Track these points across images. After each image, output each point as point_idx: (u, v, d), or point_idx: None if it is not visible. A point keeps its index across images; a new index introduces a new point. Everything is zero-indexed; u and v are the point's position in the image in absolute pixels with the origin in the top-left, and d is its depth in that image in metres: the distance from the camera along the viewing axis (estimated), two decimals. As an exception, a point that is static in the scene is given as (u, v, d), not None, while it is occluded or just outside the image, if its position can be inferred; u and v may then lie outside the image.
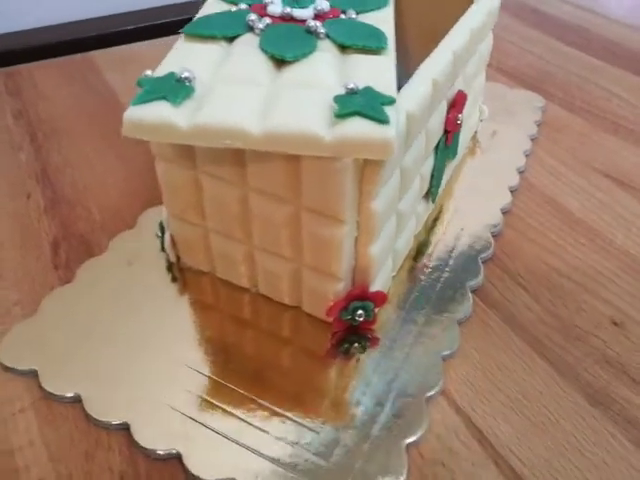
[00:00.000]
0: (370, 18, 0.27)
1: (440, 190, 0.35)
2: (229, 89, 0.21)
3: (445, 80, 0.28)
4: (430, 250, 0.33)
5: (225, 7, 0.28)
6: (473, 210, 0.36)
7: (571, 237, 0.36)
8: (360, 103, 0.20)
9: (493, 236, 0.35)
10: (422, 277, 0.32)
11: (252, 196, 0.25)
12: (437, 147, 0.30)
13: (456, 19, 0.33)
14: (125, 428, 0.24)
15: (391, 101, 0.21)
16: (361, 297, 0.26)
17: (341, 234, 0.23)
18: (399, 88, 0.24)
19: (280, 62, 0.24)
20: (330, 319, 0.27)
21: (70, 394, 0.25)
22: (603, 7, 0.69)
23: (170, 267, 0.31)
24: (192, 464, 0.23)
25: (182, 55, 0.24)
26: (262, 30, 0.25)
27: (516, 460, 0.24)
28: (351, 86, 0.21)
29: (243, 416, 0.25)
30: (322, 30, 0.25)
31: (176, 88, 0.21)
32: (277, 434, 0.24)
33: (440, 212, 0.36)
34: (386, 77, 0.23)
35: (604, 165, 0.42)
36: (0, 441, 0.24)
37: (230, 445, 0.24)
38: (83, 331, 0.28)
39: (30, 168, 0.39)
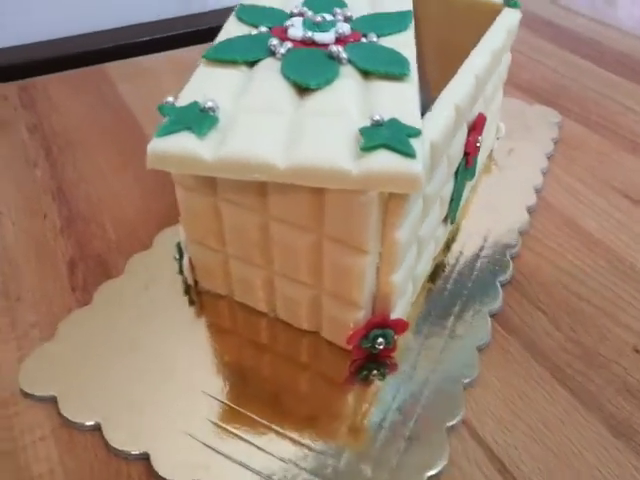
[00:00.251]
0: (391, 42, 0.27)
1: (459, 212, 0.35)
2: (253, 118, 0.21)
3: (467, 105, 0.27)
4: (447, 271, 0.33)
5: (245, 30, 0.28)
6: (490, 231, 0.36)
7: (590, 259, 0.35)
8: (386, 135, 0.20)
9: (511, 258, 0.34)
10: (440, 301, 0.31)
11: (273, 224, 0.24)
12: (457, 170, 0.30)
13: (474, 35, 0.33)
14: (145, 458, 0.24)
15: (417, 133, 0.20)
16: (382, 325, 0.26)
17: (364, 264, 0.23)
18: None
19: (303, 89, 0.23)
20: (350, 347, 0.27)
21: (90, 422, 0.25)
22: (614, 19, 0.69)
23: (187, 290, 0.31)
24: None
25: (204, 82, 0.23)
26: (283, 55, 0.25)
27: (540, 494, 0.24)
28: (377, 118, 0.20)
29: (263, 445, 0.25)
30: (344, 55, 0.25)
31: (200, 118, 0.21)
32: (298, 462, 0.24)
33: (457, 232, 0.36)
34: (410, 106, 0.22)
35: (623, 184, 0.41)
36: (21, 469, 0.24)
37: (250, 474, 0.24)
38: (101, 357, 0.27)
39: (46, 184, 0.39)
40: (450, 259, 0.34)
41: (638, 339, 0.30)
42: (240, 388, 0.27)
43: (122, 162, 0.41)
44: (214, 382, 0.27)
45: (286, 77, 0.23)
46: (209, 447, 0.24)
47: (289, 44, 0.25)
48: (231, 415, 0.26)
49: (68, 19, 0.56)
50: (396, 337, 0.27)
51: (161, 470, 0.23)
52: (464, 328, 0.30)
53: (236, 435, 0.25)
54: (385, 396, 0.27)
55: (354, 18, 0.29)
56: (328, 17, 0.28)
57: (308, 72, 0.24)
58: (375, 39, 0.27)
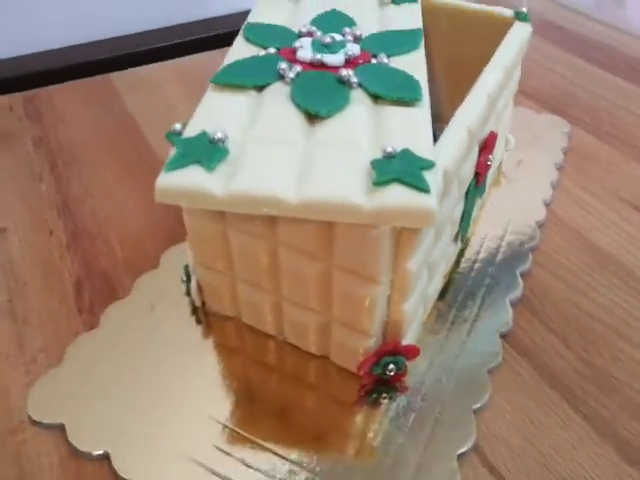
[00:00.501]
0: (402, 62, 0.27)
1: (469, 230, 0.34)
2: (263, 150, 0.21)
3: (479, 126, 0.27)
4: (456, 288, 0.33)
5: (253, 50, 0.28)
6: (500, 247, 0.36)
7: (601, 276, 0.35)
8: (398, 169, 0.20)
9: (521, 275, 0.34)
10: (451, 323, 0.31)
11: (282, 250, 0.24)
12: (467, 190, 0.30)
13: (484, 49, 0.33)
14: (153, 488, 0.24)
15: (430, 165, 0.20)
16: (393, 352, 0.26)
17: (375, 294, 0.23)
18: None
19: (313, 116, 0.23)
20: (360, 373, 0.26)
21: (98, 452, 0.25)
22: (627, 23, 0.68)
23: (194, 310, 0.31)
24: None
25: (212, 109, 0.23)
26: (293, 79, 0.25)
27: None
28: (389, 150, 0.20)
29: (269, 470, 0.25)
30: (355, 79, 0.24)
31: (210, 151, 0.20)
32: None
33: (465, 248, 0.35)
34: (422, 134, 0.22)
35: (634, 197, 0.41)
36: (28, 500, 0.24)
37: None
38: (109, 382, 0.27)
39: (51, 199, 0.39)
40: (459, 277, 0.34)
41: (652, 361, 0.30)
42: (248, 412, 0.27)
43: (128, 176, 0.41)
44: (221, 406, 0.27)
45: (296, 104, 0.23)
46: (216, 474, 0.24)
47: (298, 67, 0.25)
48: (238, 441, 0.26)
49: (71, 28, 0.56)
50: (407, 362, 0.27)
51: (170, 501, 0.23)
52: (473, 349, 0.30)
53: (243, 462, 0.25)
54: (396, 424, 0.27)
55: (364, 37, 0.29)
56: (337, 37, 0.27)
57: (318, 99, 0.23)
58: (385, 60, 0.26)
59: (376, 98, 0.24)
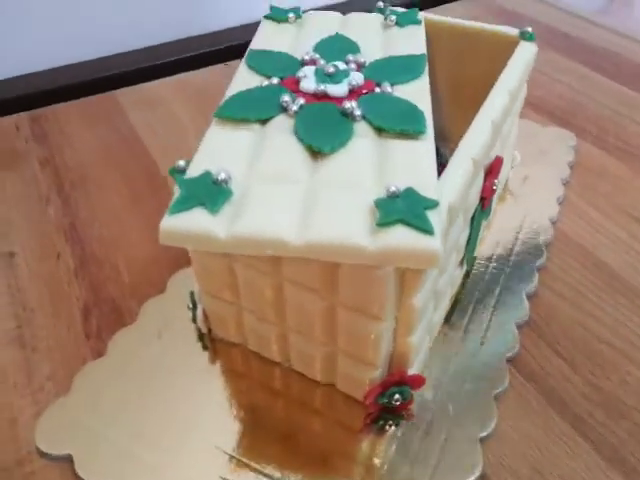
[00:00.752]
0: (406, 91, 0.27)
1: (475, 252, 0.34)
2: (266, 189, 0.21)
3: (484, 154, 0.27)
4: (462, 311, 0.32)
5: (256, 79, 0.28)
6: (507, 268, 0.35)
7: (609, 296, 0.35)
8: (402, 209, 0.19)
9: (527, 297, 0.34)
10: (457, 347, 0.31)
11: (287, 286, 0.24)
12: (473, 216, 0.30)
13: (489, 68, 0.33)
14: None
15: (434, 205, 0.20)
16: (399, 383, 0.26)
17: (380, 330, 0.23)
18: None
19: (317, 151, 0.23)
20: (366, 403, 0.26)
21: (106, 485, 0.25)
22: (636, 23, 0.67)
23: (201, 337, 0.31)
24: None
25: (216, 145, 0.23)
26: (296, 112, 0.25)
27: None
28: (392, 189, 0.20)
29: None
30: (358, 112, 0.24)
31: (213, 192, 0.20)
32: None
33: (471, 269, 0.35)
34: (427, 171, 0.22)
35: (643, 213, 0.40)
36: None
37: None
38: (116, 412, 0.27)
39: (59, 222, 0.39)
40: (465, 299, 0.33)
41: (660, 385, 0.30)
42: (254, 440, 0.27)
43: (134, 198, 0.41)
44: (227, 434, 0.27)
45: (299, 139, 0.23)
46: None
47: (301, 100, 0.25)
48: (244, 470, 0.26)
49: (73, 45, 0.56)
50: (413, 392, 0.27)
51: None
52: (480, 374, 0.29)
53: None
54: (401, 454, 0.27)
55: (367, 64, 0.29)
56: (341, 66, 0.27)
57: (321, 133, 0.23)
58: (389, 89, 0.26)
59: (380, 131, 0.24)
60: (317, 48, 0.30)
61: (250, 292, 0.26)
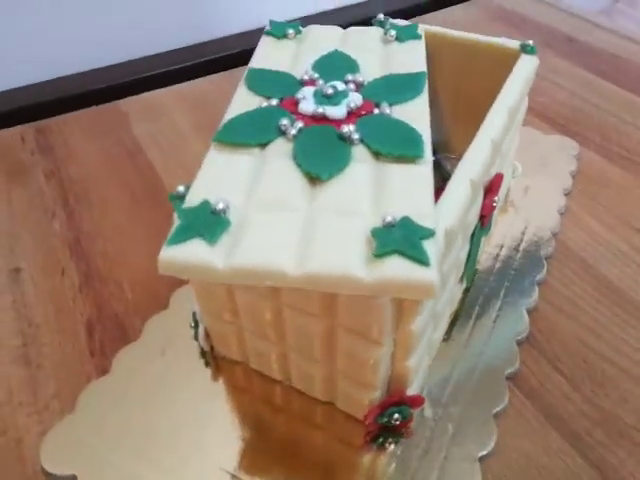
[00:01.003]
0: (405, 111, 0.27)
1: (475, 267, 0.34)
2: (264, 218, 0.21)
3: (484, 175, 0.27)
4: (462, 327, 0.33)
5: (255, 100, 0.28)
6: (507, 283, 0.35)
7: (611, 311, 0.35)
8: (399, 239, 0.20)
9: (528, 312, 0.34)
10: (456, 363, 0.31)
11: (286, 310, 0.24)
12: (473, 233, 0.30)
13: (490, 81, 0.33)
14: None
15: (430, 234, 0.20)
16: (398, 403, 0.26)
17: (378, 354, 0.23)
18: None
19: (315, 178, 0.23)
20: (366, 423, 0.27)
21: (110, 506, 0.25)
22: (638, 33, 0.67)
23: (203, 354, 0.31)
24: None
25: (214, 172, 0.23)
26: (295, 135, 0.25)
27: None
28: (389, 219, 0.20)
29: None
30: (356, 136, 0.24)
31: (211, 223, 0.20)
32: None
33: (471, 285, 0.35)
34: (423, 197, 0.22)
35: (646, 225, 0.40)
36: None
37: None
38: (120, 433, 0.28)
39: (64, 237, 0.40)
40: (464, 314, 0.33)
41: (661, 403, 0.30)
42: (256, 458, 0.27)
43: (137, 212, 0.41)
44: (230, 453, 0.27)
45: (298, 165, 0.23)
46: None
47: (300, 124, 0.25)
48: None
49: (75, 55, 0.57)
50: (413, 411, 0.27)
51: None
52: (479, 392, 0.30)
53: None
54: (400, 466, 0.27)
55: (366, 83, 0.29)
56: (339, 86, 0.28)
57: (319, 159, 0.23)
58: (387, 110, 0.26)
59: (378, 154, 0.24)
60: (316, 66, 0.30)
61: (250, 314, 0.26)
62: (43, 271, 0.37)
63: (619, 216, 0.41)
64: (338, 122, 0.26)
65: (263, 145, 0.25)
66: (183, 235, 0.20)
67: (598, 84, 0.56)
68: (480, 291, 0.35)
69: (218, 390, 0.30)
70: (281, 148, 0.24)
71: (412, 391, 0.27)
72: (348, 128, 0.25)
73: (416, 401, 0.26)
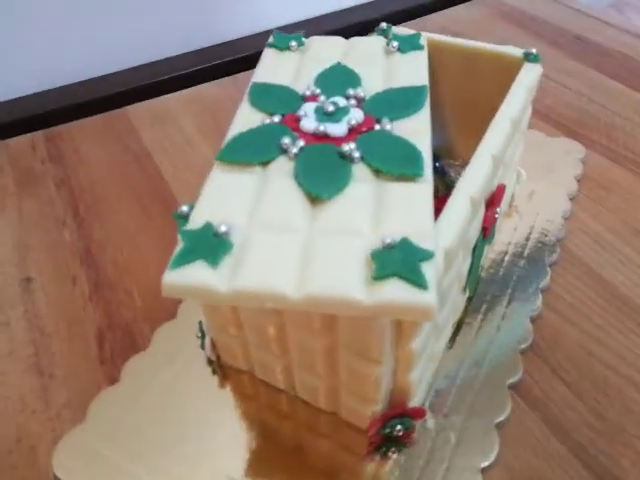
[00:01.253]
0: (406, 128, 0.27)
1: (478, 276, 0.34)
2: (266, 239, 0.22)
3: (484, 189, 0.27)
4: (465, 336, 0.33)
5: (258, 117, 0.28)
6: (510, 289, 0.36)
7: (617, 319, 0.35)
8: (397, 262, 0.20)
9: (532, 320, 0.34)
10: (459, 374, 0.31)
11: (289, 326, 0.25)
12: (475, 246, 0.30)
13: (493, 88, 0.33)
14: None
15: (429, 256, 0.20)
16: (400, 415, 0.26)
17: (379, 372, 0.23)
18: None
19: (316, 197, 0.23)
20: (368, 435, 0.27)
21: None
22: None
23: (210, 363, 0.32)
24: None
25: (217, 192, 0.24)
26: (296, 154, 0.25)
27: None
28: (388, 241, 0.21)
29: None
30: (357, 155, 0.25)
31: (214, 246, 0.21)
32: None
33: (474, 295, 0.35)
34: (423, 217, 0.22)
35: (652, 231, 0.40)
36: None
37: None
38: (131, 442, 0.29)
39: (74, 246, 0.40)
40: (467, 326, 0.34)
41: (665, 413, 0.30)
42: (263, 468, 0.28)
43: (146, 220, 0.42)
44: (237, 463, 0.28)
45: (299, 184, 0.24)
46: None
47: (301, 142, 0.25)
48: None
49: (83, 61, 0.57)
50: (415, 422, 0.28)
51: None
52: (482, 402, 0.30)
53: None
54: (402, 476, 0.27)
55: (367, 97, 0.29)
56: (341, 102, 0.28)
57: (320, 179, 0.24)
58: (388, 127, 0.27)
59: (378, 172, 0.25)
60: (318, 81, 0.30)
61: (254, 329, 0.27)
62: (54, 280, 0.38)
63: (625, 221, 0.41)
64: (339, 140, 0.26)
65: (265, 164, 0.25)
66: (186, 258, 0.21)
67: (606, 84, 0.56)
68: (483, 299, 0.35)
69: (225, 398, 0.31)
70: (283, 167, 0.25)
71: (414, 402, 0.27)
72: (349, 146, 0.25)
73: (418, 413, 0.27)
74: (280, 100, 0.29)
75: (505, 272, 0.37)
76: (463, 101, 0.39)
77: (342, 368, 0.25)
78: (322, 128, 0.26)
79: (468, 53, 0.37)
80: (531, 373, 0.32)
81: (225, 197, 0.24)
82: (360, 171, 0.24)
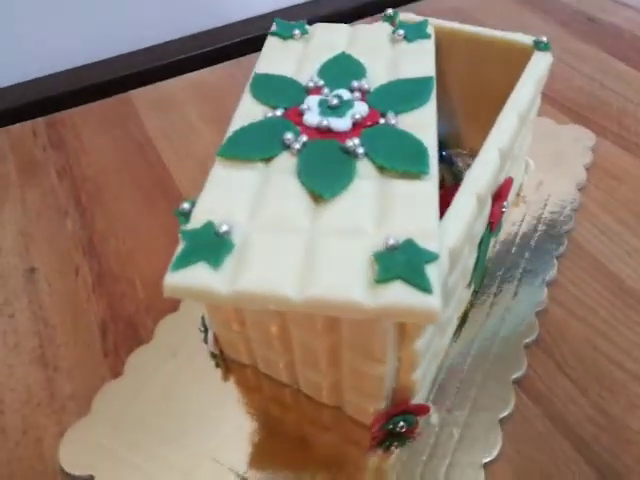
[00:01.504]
0: (411, 121, 0.26)
1: (484, 270, 0.34)
2: (268, 239, 0.21)
3: (491, 185, 0.26)
4: (470, 330, 0.33)
5: (260, 110, 0.27)
6: (517, 283, 0.35)
7: (623, 313, 0.34)
8: (401, 264, 0.20)
9: (537, 314, 0.34)
10: (463, 369, 0.31)
11: (291, 325, 0.25)
12: (481, 241, 0.29)
13: (502, 76, 0.32)
14: None
15: (434, 258, 0.20)
16: (403, 412, 0.26)
17: (382, 372, 0.23)
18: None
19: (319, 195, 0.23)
20: (372, 431, 0.27)
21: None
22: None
23: (214, 355, 0.32)
24: None
25: (219, 189, 0.23)
26: (299, 150, 0.25)
27: None
28: (391, 242, 0.20)
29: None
30: (361, 150, 0.24)
31: (215, 246, 0.21)
32: None
33: (479, 289, 0.35)
34: (428, 216, 0.22)
35: (662, 222, 0.39)
36: None
37: None
38: (134, 433, 0.29)
39: (76, 236, 0.40)
40: (472, 319, 0.33)
41: (670, 409, 0.30)
42: (266, 461, 0.28)
43: (149, 209, 0.42)
44: (240, 457, 0.28)
45: (301, 182, 0.23)
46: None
47: (304, 137, 0.25)
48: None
49: (85, 45, 0.56)
50: (418, 418, 0.28)
51: None
52: (486, 396, 0.30)
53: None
54: (405, 472, 0.27)
55: (372, 89, 0.28)
56: (345, 95, 0.27)
57: (323, 176, 0.23)
58: (393, 121, 0.26)
59: (382, 169, 0.24)
60: (321, 72, 0.29)
61: (257, 327, 0.27)
62: (57, 271, 0.38)
63: (635, 212, 0.40)
64: (343, 135, 0.25)
65: (267, 160, 0.25)
66: (187, 259, 0.20)
67: (619, 68, 0.54)
68: (490, 291, 0.35)
69: (228, 391, 0.31)
70: (285, 163, 0.24)
71: (418, 398, 0.27)
72: (352, 142, 0.24)
73: (422, 410, 0.27)
74: (283, 92, 0.28)
75: (511, 264, 0.36)
76: (471, 89, 0.38)
77: (345, 367, 0.25)
78: (325, 123, 0.26)
79: (477, 40, 0.36)
80: (535, 368, 0.32)
81: (226, 194, 0.23)
82: (364, 167, 0.24)
